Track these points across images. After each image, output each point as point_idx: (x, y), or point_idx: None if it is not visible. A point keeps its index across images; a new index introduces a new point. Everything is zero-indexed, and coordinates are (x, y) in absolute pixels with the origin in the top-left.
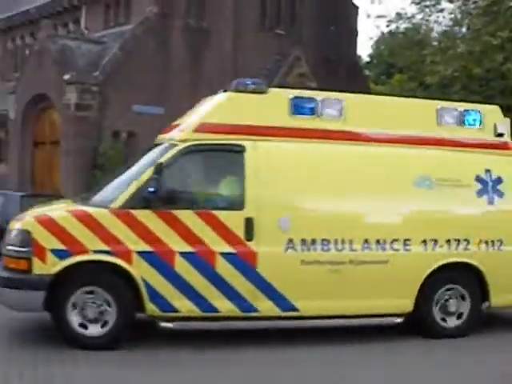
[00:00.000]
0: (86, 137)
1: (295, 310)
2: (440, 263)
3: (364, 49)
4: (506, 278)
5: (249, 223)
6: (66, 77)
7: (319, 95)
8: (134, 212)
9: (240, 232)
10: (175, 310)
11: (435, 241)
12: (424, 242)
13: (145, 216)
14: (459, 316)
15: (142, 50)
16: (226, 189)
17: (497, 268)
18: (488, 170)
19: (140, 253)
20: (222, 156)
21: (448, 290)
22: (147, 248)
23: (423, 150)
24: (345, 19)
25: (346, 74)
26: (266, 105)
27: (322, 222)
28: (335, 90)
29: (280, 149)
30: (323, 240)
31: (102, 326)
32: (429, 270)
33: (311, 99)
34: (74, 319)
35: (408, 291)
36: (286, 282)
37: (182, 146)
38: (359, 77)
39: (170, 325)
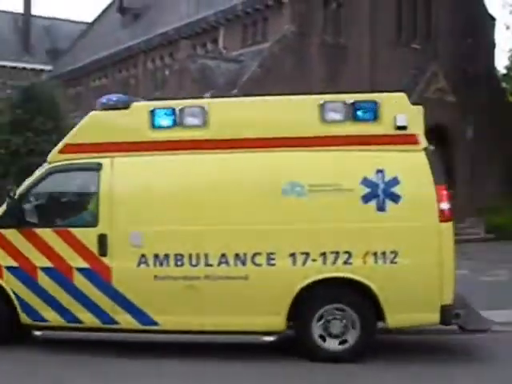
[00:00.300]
0: None
1: (155, 324)
2: (313, 279)
3: (500, 60)
4: (403, 296)
5: (102, 239)
6: (207, 95)
7: (179, 104)
8: (2, 230)
9: (94, 248)
10: (44, 320)
11: (306, 254)
12: (292, 255)
13: (11, 234)
14: (345, 339)
15: (280, 67)
16: (82, 207)
17: (392, 284)
18: (380, 171)
19: (8, 268)
20: (81, 175)
21: (336, 309)
22: (14, 264)
23: (298, 153)
24: (482, 31)
25: (484, 88)
26: (127, 120)
27: (175, 237)
28: (474, 104)
29: (137, 164)
30: (176, 255)
31: None
32: (299, 286)
33: (170, 110)
34: None
35: (275, 309)
36: (141, 297)
37: (46, 167)
38: (497, 90)
39: (38, 333)
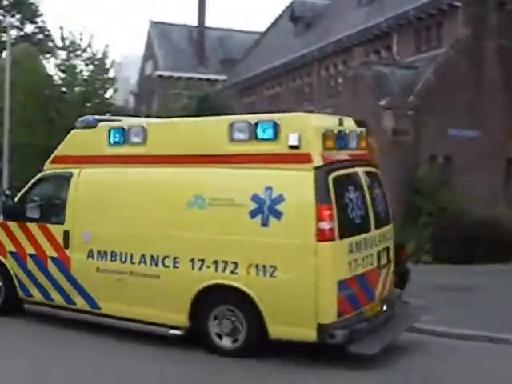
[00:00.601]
0: (403, 162)
1: (99, 308)
2: (207, 283)
3: None
4: (282, 309)
5: (66, 235)
6: (383, 102)
7: (128, 125)
8: (9, 223)
9: (61, 241)
10: (32, 296)
11: (202, 261)
12: (192, 260)
13: (13, 226)
14: (236, 338)
15: (455, 72)
16: (57, 208)
17: (271, 296)
18: (269, 188)
19: (10, 252)
20: (59, 182)
21: (228, 310)
22: (13, 249)
23: (208, 169)
24: None
25: None
26: (93, 138)
27: (112, 237)
28: None
29: (95, 174)
30: (112, 252)
31: None
32: (197, 289)
33: (122, 129)
34: None
35: (179, 307)
36: (89, 285)
37: (40, 174)
38: None
39: (27, 306)
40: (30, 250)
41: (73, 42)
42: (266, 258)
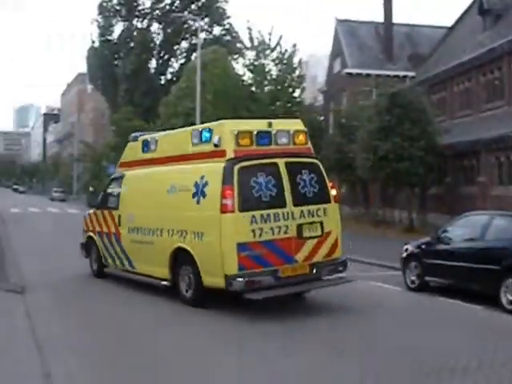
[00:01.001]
0: None
1: (135, 268)
2: (175, 246)
3: None
4: (209, 264)
5: (119, 217)
6: None
7: (150, 137)
8: (97, 211)
9: (118, 222)
10: (109, 264)
11: (172, 231)
12: (168, 231)
13: (97, 213)
14: (191, 288)
15: None
16: (117, 198)
17: (202, 255)
18: (202, 177)
19: (97, 232)
20: (119, 181)
21: (186, 267)
22: (97, 229)
23: (178, 166)
24: None
25: None
26: (136, 148)
27: (136, 217)
28: None
29: (133, 174)
30: (136, 227)
31: None
32: (170, 250)
33: (147, 141)
34: None
35: (164, 264)
36: (129, 251)
37: (111, 176)
38: None
39: (107, 270)
40: (105, 229)
41: (261, 42)
42: (199, 226)
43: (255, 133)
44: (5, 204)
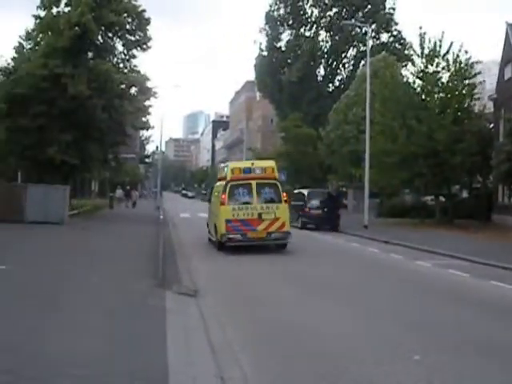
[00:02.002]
0: None
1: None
2: (213, 221)
3: None
4: (217, 228)
5: (209, 207)
6: None
7: (226, 164)
8: (207, 203)
9: (214, 210)
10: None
11: (214, 213)
12: (213, 212)
13: (209, 204)
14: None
15: None
16: (213, 196)
17: (213, 227)
18: (219, 188)
19: (209, 216)
20: (216, 187)
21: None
22: (207, 214)
23: (219, 182)
24: None
25: None
26: (223, 170)
27: (212, 210)
28: None
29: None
30: (212, 215)
31: None
32: (213, 223)
33: (227, 166)
34: None
35: (212, 229)
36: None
37: (214, 184)
38: None
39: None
40: (211, 214)
41: (432, 49)
42: (215, 213)
43: (242, 168)
44: (174, 209)
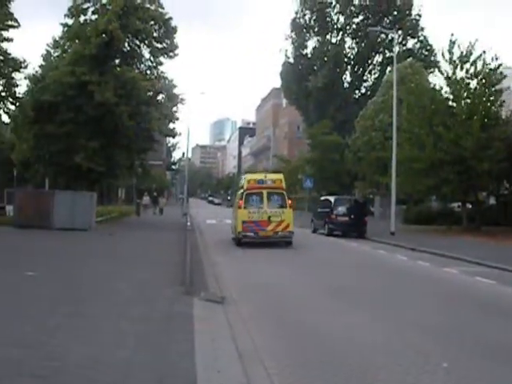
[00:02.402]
0: None
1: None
2: (232, 222)
3: None
4: (235, 228)
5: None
6: None
7: (244, 176)
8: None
9: (236, 213)
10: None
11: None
12: (233, 214)
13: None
14: None
15: None
16: (235, 201)
17: (235, 225)
18: (239, 194)
19: (233, 217)
20: (239, 193)
21: None
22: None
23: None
24: None
25: None
26: (246, 180)
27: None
28: None
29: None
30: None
31: None
32: (234, 223)
33: (244, 177)
34: None
35: (234, 229)
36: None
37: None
38: None
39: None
40: (232, 217)
41: (462, 55)
42: (234, 216)
43: (256, 179)
44: (201, 215)
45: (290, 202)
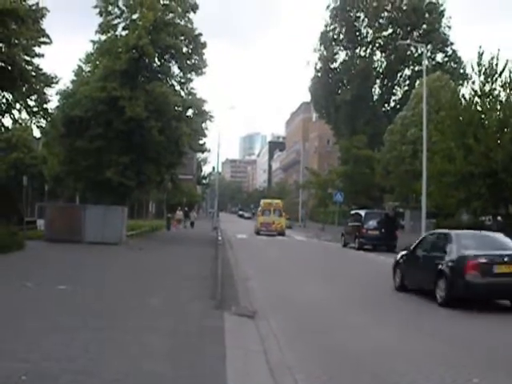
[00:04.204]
0: None
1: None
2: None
3: None
4: (255, 227)
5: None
6: None
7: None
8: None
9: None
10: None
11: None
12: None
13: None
14: None
15: None
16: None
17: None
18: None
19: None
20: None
21: None
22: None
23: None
24: None
25: None
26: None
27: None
28: None
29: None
30: None
31: None
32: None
33: (269, 202)
34: None
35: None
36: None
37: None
38: None
39: None
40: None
41: (489, 67)
42: (256, 220)
43: (268, 202)
44: (231, 230)
45: (284, 214)
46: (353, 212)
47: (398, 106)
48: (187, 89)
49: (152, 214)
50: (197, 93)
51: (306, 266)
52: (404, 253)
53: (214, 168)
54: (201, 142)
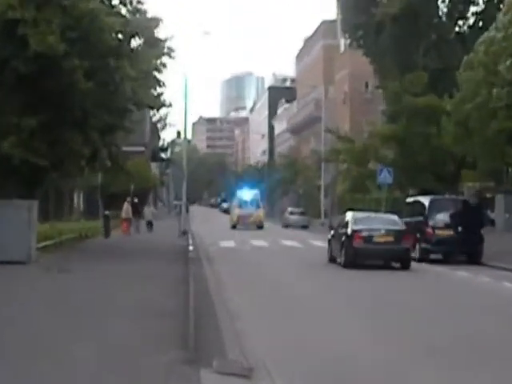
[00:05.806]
0: None
1: None
2: None
3: None
4: (231, 220)
5: None
6: None
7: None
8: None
9: None
10: None
11: None
12: None
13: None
14: None
15: None
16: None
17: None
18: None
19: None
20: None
21: None
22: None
23: None
24: None
25: None
26: None
27: None
28: None
29: None
30: None
31: None
32: None
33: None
34: None
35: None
36: None
37: None
38: None
39: None
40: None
41: None
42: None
43: (244, 193)
44: (210, 234)
45: (261, 205)
46: (410, 200)
47: (481, 24)
48: (131, 4)
49: (80, 212)
50: (147, 10)
51: (334, 301)
52: (332, 232)
53: (178, 133)
54: (156, 91)
